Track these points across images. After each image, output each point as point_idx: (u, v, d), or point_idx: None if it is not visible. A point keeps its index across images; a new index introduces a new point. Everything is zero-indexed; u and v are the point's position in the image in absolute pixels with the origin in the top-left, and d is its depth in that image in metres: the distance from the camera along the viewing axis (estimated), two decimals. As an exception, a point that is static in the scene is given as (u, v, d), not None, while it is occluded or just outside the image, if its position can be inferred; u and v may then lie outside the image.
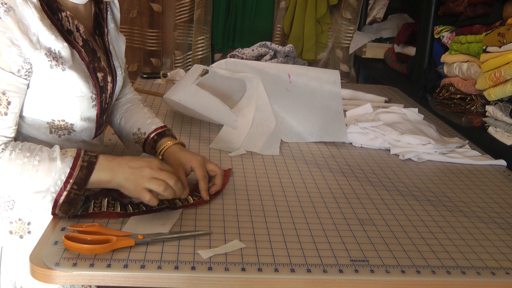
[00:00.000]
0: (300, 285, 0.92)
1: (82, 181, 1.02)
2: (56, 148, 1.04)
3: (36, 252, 0.93)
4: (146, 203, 1.07)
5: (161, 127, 1.31)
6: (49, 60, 1.06)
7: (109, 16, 1.26)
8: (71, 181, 1.01)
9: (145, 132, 1.30)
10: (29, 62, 1.04)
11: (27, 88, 1.07)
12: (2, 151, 1.01)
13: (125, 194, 1.10)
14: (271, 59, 2.32)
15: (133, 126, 1.32)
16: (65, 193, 1.01)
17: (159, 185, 1.05)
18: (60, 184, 1.01)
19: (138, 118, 1.33)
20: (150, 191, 1.05)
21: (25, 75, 1.04)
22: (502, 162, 1.56)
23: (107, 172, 1.04)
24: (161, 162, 1.10)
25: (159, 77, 2.37)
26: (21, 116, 1.11)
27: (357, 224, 1.12)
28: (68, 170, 1.01)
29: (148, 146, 1.29)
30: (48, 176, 1.00)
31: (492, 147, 1.68)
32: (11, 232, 1.17)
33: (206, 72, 1.83)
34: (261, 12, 3.35)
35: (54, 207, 1.02)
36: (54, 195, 1.01)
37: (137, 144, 1.32)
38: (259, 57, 2.34)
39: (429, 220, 1.17)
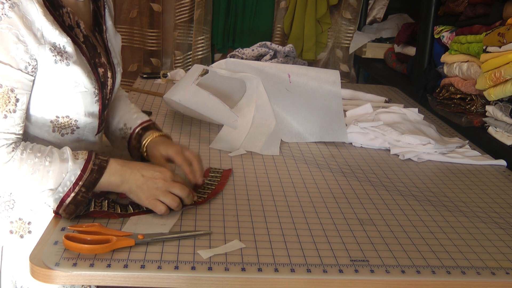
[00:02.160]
0: (300, 285, 0.93)
1: (90, 184, 1.04)
2: (67, 149, 1.05)
3: (36, 252, 0.93)
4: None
5: (146, 121, 1.32)
6: (53, 55, 1.07)
7: (107, 13, 1.27)
8: (80, 183, 1.03)
9: (130, 127, 1.31)
10: (35, 59, 1.05)
11: (33, 84, 1.07)
12: (13, 150, 1.02)
13: (124, 194, 1.10)
14: (271, 59, 2.32)
15: (119, 121, 1.34)
16: (72, 194, 1.02)
17: (173, 200, 1.08)
18: (69, 184, 1.02)
19: (124, 113, 1.35)
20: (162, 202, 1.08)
21: (32, 71, 1.05)
22: (502, 162, 1.56)
23: (118, 177, 1.06)
24: (173, 173, 1.12)
25: (159, 77, 2.37)
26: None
27: (357, 224, 1.12)
28: (78, 172, 1.03)
29: (134, 141, 1.30)
30: (59, 177, 1.02)
31: (492, 147, 1.68)
32: (11, 232, 1.17)
33: (206, 72, 1.83)
34: (261, 12, 3.35)
35: (58, 207, 1.03)
36: (62, 195, 1.02)
37: (123, 140, 1.33)
38: (259, 57, 2.34)
39: (429, 220, 1.17)
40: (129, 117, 1.34)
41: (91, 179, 1.03)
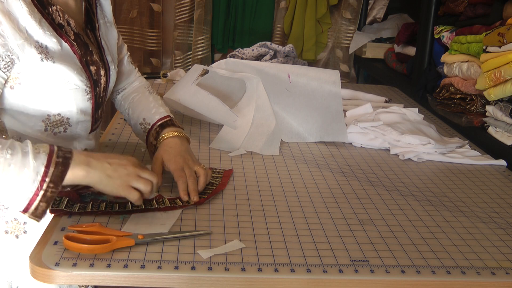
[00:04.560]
0: (300, 285, 0.92)
1: (58, 178, 0.95)
2: (28, 143, 0.96)
3: (36, 252, 0.93)
4: (132, 201, 1.05)
5: (164, 117, 1.30)
6: (39, 53, 1.06)
7: (99, 12, 1.27)
8: (47, 179, 0.94)
9: (149, 123, 1.30)
10: (9, 55, 1.03)
11: (6, 82, 1.06)
12: None
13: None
14: (271, 59, 2.32)
15: (139, 116, 1.33)
16: (41, 192, 0.94)
17: (146, 184, 1.04)
18: (36, 184, 0.94)
19: (143, 108, 1.33)
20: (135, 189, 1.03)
21: (4, 67, 1.03)
22: (502, 162, 1.56)
23: (83, 167, 0.98)
24: (138, 161, 1.08)
25: (159, 77, 2.37)
26: (15, 114, 1.10)
27: (357, 224, 1.12)
28: (43, 169, 0.94)
29: (151, 137, 1.29)
30: (21, 171, 0.93)
31: (492, 147, 1.68)
32: (6, 232, 1.16)
33: (206, 72, 1.83)
34: (261, 12, 3.35)
35: (27, 207, 0.95)
36: (30, 195, 0.94)
37: (145, 134, 1.31)
38: (259, 57, 2.34)
39: (429, 220, 1.17)
40: (148, 112, 1.32)
41: (57, 172, 0.95)
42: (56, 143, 1.13)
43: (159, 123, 1.29)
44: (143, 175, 1.05)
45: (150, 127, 1.29)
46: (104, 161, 1.02)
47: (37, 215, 0.96)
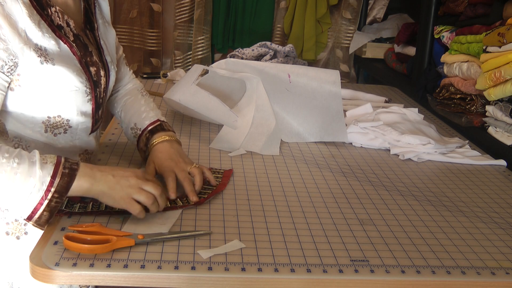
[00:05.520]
0: (300, 285, 0.92)
1: (63, 189, 0.96)
2: (36, 153, 0.97)
3: (36, 252, 0.93)
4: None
5: (154, 122, 1.30)
6: (38, 56, 1.06)
7: (97, 11, 1.26)
8: (52, 189, 0.95)
9: (140, 128, 1.30)
10: (12, 59, 1.03)
11: (8, 85, 1.06)
12: None
13: None
14: (271, 59, 2.32)
15: (130, 121, 1.33)
16: (45, 201, 0.95)
17: (148, 197, 1.03)
18: (41, 193, 0.95)
19: (134, 112, 1.33)
20: (138, 202, 1.03)
21: (8, 71, 1.03)
22: (502, 162, 1.56)
23: (88, 179, 0.99)
24: (144, 172, 1.07)
25: (159, 77, 2.37)
26: (15, 115, 1.10)
27: (357, 224, 1.12)
28: (48, 179, 0.95)
29: (141, 143, 1.29)
30: (27, 180, 0.94)
31: (492, 147, 1.68)
32: (7, 233, 1.16)
33: (206, 72, 1.83)
34: (261, 12, 3.34)
35: (31, 215, 0.96)
36: (35, 203, 0.95)
37: (135, 139, 1.32)
38: (259, 57, 2.34)
39: (429, 220, 1.17)
40: (138, 116, 1.32)
41: (63, 183, 0.96)
42: (57, 144, 1.13)
43: (149, 128, 1.29)
44: (145, 188, 1.04)
45: (140, 132, 1.29)
46: (108, 173, 1.02)
47: (41, 223, 0.98)
